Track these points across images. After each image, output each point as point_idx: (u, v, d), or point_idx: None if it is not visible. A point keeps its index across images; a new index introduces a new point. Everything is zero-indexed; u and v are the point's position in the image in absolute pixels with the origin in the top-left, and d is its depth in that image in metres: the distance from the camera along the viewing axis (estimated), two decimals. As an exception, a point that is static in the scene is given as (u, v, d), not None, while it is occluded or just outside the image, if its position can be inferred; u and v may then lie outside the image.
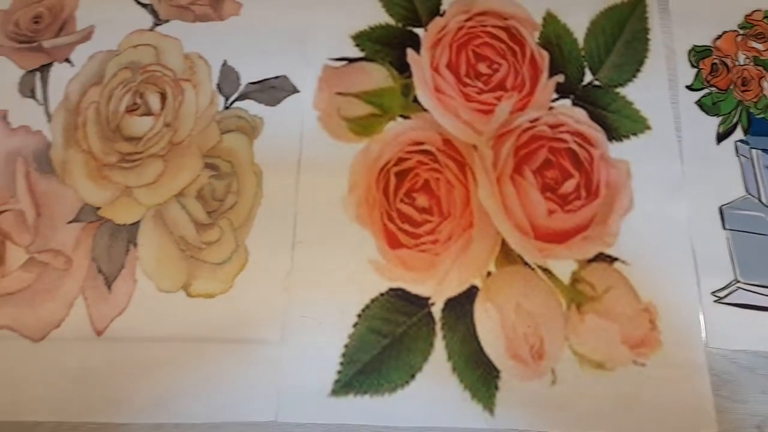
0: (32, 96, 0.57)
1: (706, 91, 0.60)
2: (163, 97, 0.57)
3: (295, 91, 0.58)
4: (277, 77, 0.58)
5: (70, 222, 0.53)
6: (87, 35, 0.59)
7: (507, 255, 0.54)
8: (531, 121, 0.57)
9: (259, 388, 0.49)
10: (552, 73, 0.59)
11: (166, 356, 0.50)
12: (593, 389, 0.50)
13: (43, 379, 0.49)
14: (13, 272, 0.51)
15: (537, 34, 0.61)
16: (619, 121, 0.58)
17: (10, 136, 0.55)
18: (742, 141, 0.58)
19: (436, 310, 0.52)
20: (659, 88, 0.60)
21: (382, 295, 0.52)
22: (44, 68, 0.58)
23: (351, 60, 0.59)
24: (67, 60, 0.58)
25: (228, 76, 0.58)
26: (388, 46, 0.60)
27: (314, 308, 0.51)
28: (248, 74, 0.58)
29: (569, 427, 0.49)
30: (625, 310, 0.52)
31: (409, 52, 0.59)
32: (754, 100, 0.59)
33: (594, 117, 0.58)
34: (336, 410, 0.49)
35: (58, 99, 0.57)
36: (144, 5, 0.60)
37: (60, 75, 0.58)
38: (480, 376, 0.50)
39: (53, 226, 0.53)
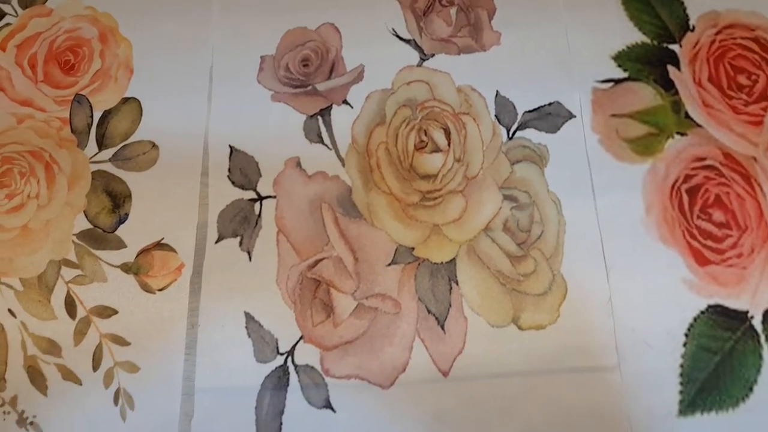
0: (320, 141, 0.50)
1: None
2: (447, 132, 0.51)
3: (571, 116, 0.52)
4: (550, 104, 0.52)
5: (389, 264, 0.47)
6: (359, 75, 0.52)
7: (809, 263, 0.49)
8: (800, 129, 0.53)
9: (610, 415, 0.44)
10: (806, 79, 0.54)
11: (515, 392, 0.44)
12: None
13: (402, 425, 0.43)
14: (345, 320, 0.46)
15: (784, 43, 0.55)
16: None
17: (309, 183, 0.49)
18: None
19: (757, 323, 0.47)
20: None
21: (702, 312, 0.47)
22: (324, 112, 0.51)
23: (617, 81, 0.54)
24: (345, 102, 0.52)
25: (504, 106, 0.52)
26: (648, 64, 0.54)
27: (641, 331, 0.46)
28: (522, 103, 0.52)
29: None
30: None
31: (671, 69, 0.54)
32: None
33: None
34: (686, 429, 0.44)
35: (345, 142, 0.50)
36: (407, 41, 0.54)
37: (341, 117, 0.51)
38: (812, 383, 0.46)
39: (373, 270, 0.47)
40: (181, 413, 0.43)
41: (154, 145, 0.49)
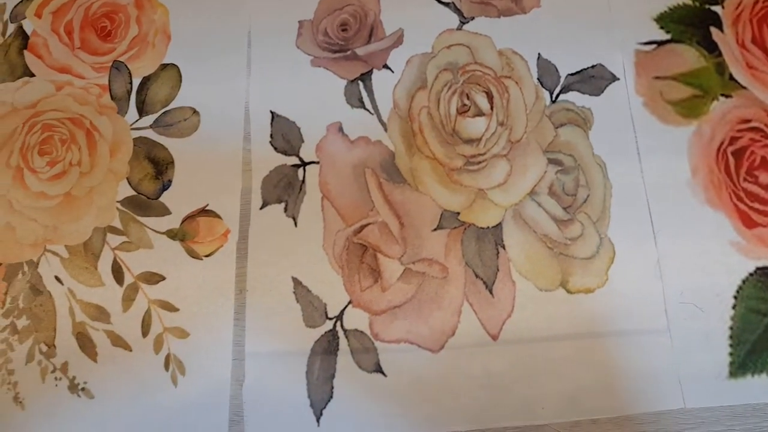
0: (361, 106, 0.49)
1: None
2: (490, 96, 0.49)
3: (614, 78, 0.50)
4: (593, 66, 0.51)
5: (435, 229, 0.46)
6: (398, 39, 0.51)
7: None
8: None
9: (660, 377, 0.43)
10: None
11: (564, 354, 0.44)
12: None
13: (452, 388, 0.43)
14: (393, 285, 0.45)
15: (829, 3, 0.54)
16: None
17: (352, 149, 0.48)
18: None
19: (806, 285, 0.46)
20: None
21: (751, 275, 0.46)
22: (365, 76, 0.50)
23: (659, 43, 0.52)
24: (386, 66, 0.50)
25: (546, 69, 0.50)
26: (691, 26, 0.52)
27: (690, 293, 0.45)
28: (564, 65, 0.50)
29: None
30: None
31: (714, 31, 0.52)
32: None
33: None
34: (737, 391, 0.43)
35: (387, 106, 0.49)
36: (446, 4, 0.52)
37: (382, 82, 0.49)
38: None
39: (419, 235, 0.46)
40: (232, 378, 0.42)
41: (194, 111, 0.48)
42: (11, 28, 0.49)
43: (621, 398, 0.43)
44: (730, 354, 0.44)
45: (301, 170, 0.47)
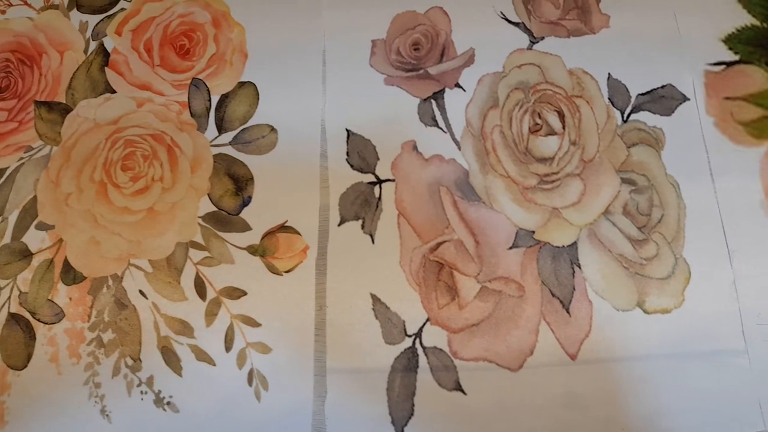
0: (435, 124, 0.49)
1: None
2: (561, 115, 0.49)
3: (684, 99, 0.50)
4: (663, 86, 0.50)
5: (510, 248, 0.46)
6: (470, 59, 0.50)
7: None
8: None
9: (740, 399, 0.42)
10: None
11: (643, 375, 0.43)
12: None
13: (532, 408, 0.42)
14: (470, 303, 0.45)
15: None
16: None
17: (426, 167, 0.48)
18: None
19: None
20: None
21: (828, 297, 0.45)
22: (437, 95, 0.49)
23: (728, 64, 0.51)
24: (458, 85, 0.50)
25: (617, 89, 0.50)
26: (759, 47, 0.51)
27: (767, 315, 0.45)
28: (634, 86, 0.50)
29: None
30: None
31: (783, 51, 0.52)
32: None
33: None
34: (819, 414, 0.43)
35: (460, 125, 0.49)
36: (515, 24, 0.52)
37: (455, 100, 0.49)
38: None
39: (495, 253, 0.46)
40: (315, 394, 0.42)
41: (272, 129, 0.47)
42: (93, 45, 0.50)
43: (700, 419, 0.42)
44: (810, 376, 0.43)
45: (377, 188, 0.47)
